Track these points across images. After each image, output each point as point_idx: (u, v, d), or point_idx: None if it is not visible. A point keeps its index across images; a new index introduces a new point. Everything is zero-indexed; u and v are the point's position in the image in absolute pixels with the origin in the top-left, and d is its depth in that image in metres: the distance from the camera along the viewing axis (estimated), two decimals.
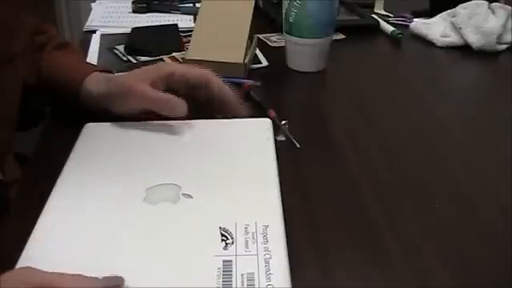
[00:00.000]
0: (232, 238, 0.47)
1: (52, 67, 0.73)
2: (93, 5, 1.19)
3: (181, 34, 1.01)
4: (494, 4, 0.99)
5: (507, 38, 0.97)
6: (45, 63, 0.74)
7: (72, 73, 0.72)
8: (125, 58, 0.92)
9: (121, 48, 0.95)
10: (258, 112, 0.71)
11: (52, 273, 0.42)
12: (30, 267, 0.43)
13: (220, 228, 0.49)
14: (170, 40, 0.98)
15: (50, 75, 0.73)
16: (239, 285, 0.43)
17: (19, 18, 0.67)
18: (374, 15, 1.10)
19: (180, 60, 0.90)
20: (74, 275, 0.42)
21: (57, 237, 0.48)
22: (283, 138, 0.68)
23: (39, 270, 0.42)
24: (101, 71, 0.72)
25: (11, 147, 0.73)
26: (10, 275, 0.41)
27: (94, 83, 0.69)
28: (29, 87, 0.71)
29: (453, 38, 0.99)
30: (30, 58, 0.70)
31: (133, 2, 1.15)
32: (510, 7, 0.99)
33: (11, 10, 0.65)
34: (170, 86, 0.66)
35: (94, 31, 1.04)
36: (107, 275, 0.43)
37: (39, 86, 0.73)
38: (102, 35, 1.02)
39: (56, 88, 0.71)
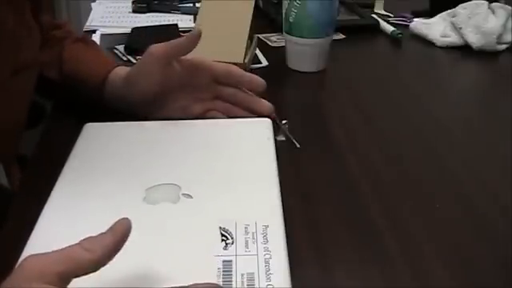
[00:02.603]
0: (232, 238, 0.47)
1: (74, 60, 0.74)
2: (93, 5, 1.19)
3: (181, 33, 1.01)
4: (494, 4, 0.99)
5: (507, 37, 0.97)
6: (66, 55, 0.74)
7: (96, 65, 0.72)
8: (125, 58, 0.92)
9: (121, 48, 0.95)
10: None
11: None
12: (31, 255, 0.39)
13: (220, 228, 0.49)
14: (169, 40, 0.98)
15: (73, 67, 0.73)
16: (239, 285, 0.43)
17: (29, 29, 0.67)
18: (373, 15, 1.10)
19: None
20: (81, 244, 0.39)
21: (57, 237, 0.48)
22: (283, 138, 0.68)
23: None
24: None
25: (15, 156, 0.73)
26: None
27: (121, 73, 0.70)
28: (49, 81, 0.71)
29: (453, 38, 0.99)
30: (44, 66, 0.71)
31: (133, 2, 1.15)
32: (510, 7, 0.99)
33: (22, 22, 0.65)
34: (194, 74, 0.69)
35: (94, 31, 1.04)
36: (112, 226, 0.41)
37: (60, 80, 0.73)
38: (102, 35, 1.02)
39: (78, 80, 0.71)
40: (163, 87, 0.67)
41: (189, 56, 0.69)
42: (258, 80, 0.70)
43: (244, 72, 0.71)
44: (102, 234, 0.40)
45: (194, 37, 0.66)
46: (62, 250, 0.39)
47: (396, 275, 0.49)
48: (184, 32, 1.01)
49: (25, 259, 0.38)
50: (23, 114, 0.68)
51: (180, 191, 0.53)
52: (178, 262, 0.45)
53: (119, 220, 0.41)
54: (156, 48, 0.66)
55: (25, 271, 0.37)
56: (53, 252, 0.39)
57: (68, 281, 0.38)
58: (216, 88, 0.70)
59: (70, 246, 0.39)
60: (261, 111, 0.69)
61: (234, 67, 0.71)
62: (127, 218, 0.41)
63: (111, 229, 0.40)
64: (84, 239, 0.39)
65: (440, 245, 0.53)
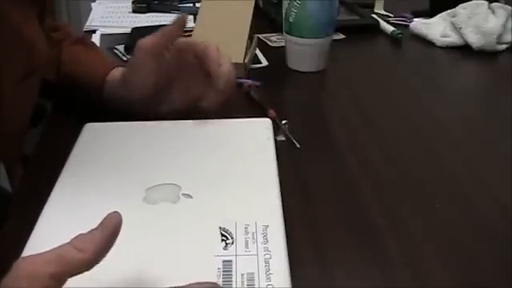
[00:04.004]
0: (232, 238, 0.47)
1: (73, 61, 0.74)
2: (93, 5, 1.19)
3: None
4: (494, 4, 0.99)
5: (507, 37, 0.97)
6: (65, 57, 0.74)
7: (95, 66, 0.72)
8: (125, 58, 0.92)
9: (121, 48, 0.95)
10: (258, 112, 0.71)
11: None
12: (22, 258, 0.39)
13: (220, 228, 0.49)
14: None
15: (72, 69, 0.73)
16: (239, 285, 0.43)
17: (39, 34, 0.67)
18: (373, 15, 1.10)
19: None
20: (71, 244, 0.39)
21: (57, 237, 0.48)
22: (283, 138, 0.68)
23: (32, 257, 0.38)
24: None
25: (19, 158, 0.73)
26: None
27: (117, 74, 0.70)
28: (47, 83, 0.71)
29: (453, 38, 0.99)
30: (45, 68, 0.71)
31: (133, 2, 1.15)
32: (510, 7, 0.99)
33: (34, 28, 0.65)
34: (181, 56, 0.69)
35: (94, 31, 1.04)
36: (102, 221, 0.39)
37: (57, 81, 0.73)
38: (102, 35, 1.02)
39: (77, 82, 0.72)
40: (158, 78, 0.67)
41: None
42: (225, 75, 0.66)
43: (217, 58, 0.67)
44: (92, 230, 0.39)
45: (180, 22, 0.66)
46: (53, 250, 0.38)
47: (396, 275, 0.49)
48: (184, 32, 1.01)
49: (18, 261, 0.38)
50: (27, 115, 0.68)
51: (180, 191, 0.53)
52: (178, 262, 0.45)
53: (108, 215, 0.40)
54: (145, 41, 0.66)
55: (18, 274, 0.37)
56: (45, 252, 0.38)
57: (62, 281, 0.38)
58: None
59: (61, 246, 0.38)
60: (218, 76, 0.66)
61: (212, 49, 0.67)
62: (117, 212, 0.40)
63: (101, 225, 0.39)
64: (75, 237, 0.39)
65: (440, 245, 0.53)
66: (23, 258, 0.38)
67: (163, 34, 0.67)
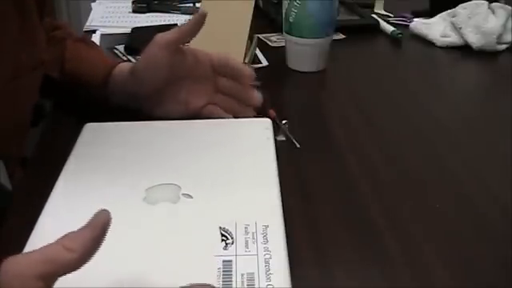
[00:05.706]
0: (232, 238, 0.47)
1: (76, 59, 0.74)
2: (93, 5, 1.19)
3: None
4: (494, 4, 0.99)
5: (507, 37, 0.97)
6: (68, 55, 0.74)
7: (99, 63, 0.73)
8: (125, 58, 0.92)
9: (121, 48, 0.95)
10: (257, 112, 0.71)
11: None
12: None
13: (220, 228, 0.49)
14: None
15: (75, 66, 0.73)
16: (239, 285, 0.43)
17: (33, 32, 0.67)
18: (374, 15, 1.10)
19: None
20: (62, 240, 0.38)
21: (57, 237, 0.48)
22: (283, 138, 0.68)
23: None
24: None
25: (19, 156, 0.73)
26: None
27: (126, 67, 0.70)
28: (50, 80, 0.71)
29: (453, 38, 0.99)
30: (46, 65, 0.71)
31: (133, 2, 1.15)
32: (510, 7, 0.99)
33: (27, 26, 0.65)
34: (196, 63, 0.70)
35: (94, 31, 1.04)
36: (91, 219, 0.39)
37: (62, 79, 0.73)
38: (102, 35, 1.02)
39: (81, 79, 0.72)
40: (171, 76, 0.67)
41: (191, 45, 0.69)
42: (247, 73, 0.70)
43: (237, 64, 0.71)
44: (81, 229, 0.39)
45: (200, 18, 0.67)
46: (42, 250, 0.38)
47: (396, 275, 0.49)
48: None
49: (5, 262, 0.37)
50: (26, 115, 0.68)
51: (180, 191, 0.53)
52: (178, 262, 0.45)
53: (97, 213, 0.39)
54: (162, 36, 0.67)
55: (6, 276, 0.36)
56: (33, 252, 0.38)
57: (51, 281, 0.37)
58: (216, 80, 0.71)
59: (49, 245, 0.38)
60: (248, 103, 0.70)
61: (231, 57, 0.71)
62: (106, 210, 0.39)
63: (90, 223, 0.39)
64: (63, 237, 0.38)
65: (440, 245, 0.53)
66: (11, 258, 0.37)
67: (181, 32, 0.68)
